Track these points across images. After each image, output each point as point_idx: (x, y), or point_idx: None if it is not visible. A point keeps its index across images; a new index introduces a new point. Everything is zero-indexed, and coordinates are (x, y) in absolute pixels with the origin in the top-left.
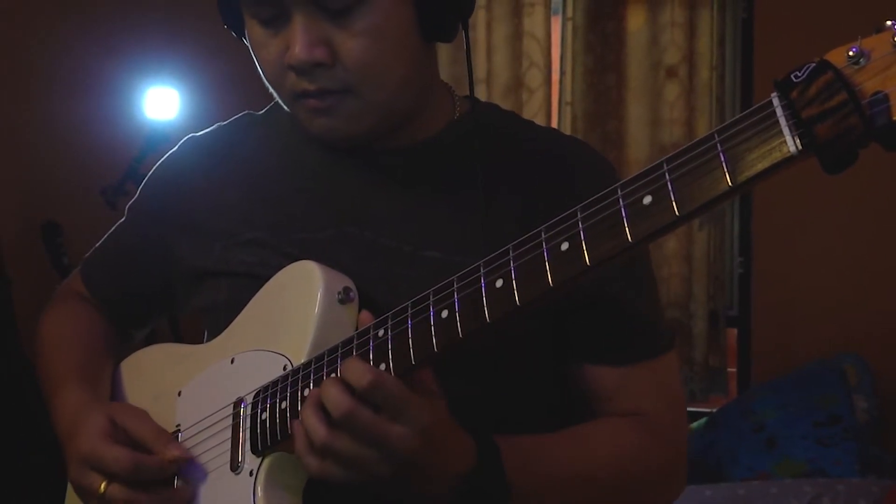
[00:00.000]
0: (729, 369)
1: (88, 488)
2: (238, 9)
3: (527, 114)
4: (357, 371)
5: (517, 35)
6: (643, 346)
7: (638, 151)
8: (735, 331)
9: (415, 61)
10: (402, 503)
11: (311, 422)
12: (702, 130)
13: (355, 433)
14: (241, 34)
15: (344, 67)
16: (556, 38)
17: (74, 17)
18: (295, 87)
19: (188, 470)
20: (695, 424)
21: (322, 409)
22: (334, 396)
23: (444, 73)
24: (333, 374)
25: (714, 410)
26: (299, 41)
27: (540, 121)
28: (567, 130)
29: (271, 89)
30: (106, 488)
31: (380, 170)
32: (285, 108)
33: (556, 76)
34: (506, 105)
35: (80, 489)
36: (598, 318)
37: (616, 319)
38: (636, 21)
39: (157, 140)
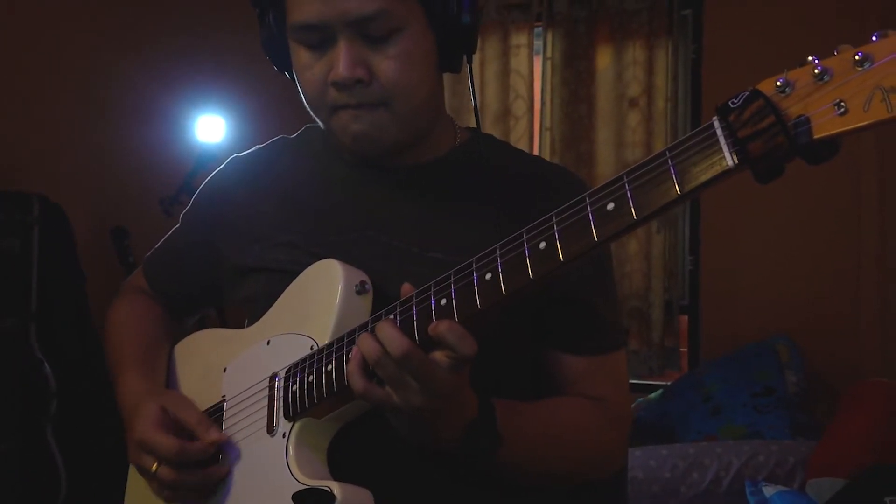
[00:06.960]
0: (681, 349)
1: (143, 467)
2: (282, 41)
3: (513, 137)
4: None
5: (505, 72)
6: (604, 340)
7: (605, 168)
8: (686, 317)
9: (433, 85)
10: (409, 458)
11: (392, 338)
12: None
13: (406, 366)
14: (281, 65)
15: (380, 84)
16: (537, 74)
17: (136, 58)
18: (336, 102)
19: (231, 436)
20: (653, 395)
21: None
22: (392, 336)
23: (446, 104)
24: (391, 317)
25: (669, 383)
26: (343, 61)
27: (524, 143)
28: (546, 151)
29: (310, 108)
30: (157, 469)
31: (394, 184)
32: (322, 124)
33: (537, 106)
34: (495, 129)
35: (137, 467)
36: (571, 315)
37: (585, 318)
38: (604, 60)
39: (206, 159)
